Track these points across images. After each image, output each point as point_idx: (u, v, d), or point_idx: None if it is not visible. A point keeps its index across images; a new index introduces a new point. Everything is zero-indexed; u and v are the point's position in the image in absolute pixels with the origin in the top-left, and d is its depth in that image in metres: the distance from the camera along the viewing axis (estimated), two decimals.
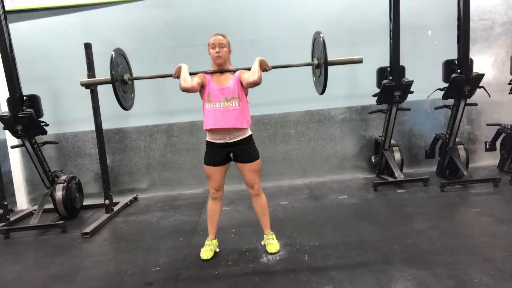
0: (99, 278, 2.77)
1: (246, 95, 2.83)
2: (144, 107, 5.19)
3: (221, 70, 2.81)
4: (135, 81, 3.16)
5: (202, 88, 2.79)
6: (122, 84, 2.91)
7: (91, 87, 4.00)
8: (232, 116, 2.70)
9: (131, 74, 3.10)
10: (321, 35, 2.77)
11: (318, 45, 2.84)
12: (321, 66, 2.79)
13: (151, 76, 3.04)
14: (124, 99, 2.94)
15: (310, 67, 3.12)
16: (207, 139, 2.88)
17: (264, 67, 2.78)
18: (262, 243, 3.03)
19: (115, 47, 2.91)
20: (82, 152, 5.22)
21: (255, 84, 2.64)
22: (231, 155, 2.88)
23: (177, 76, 2.77)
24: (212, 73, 2.81)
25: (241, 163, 2.87)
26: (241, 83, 2.74)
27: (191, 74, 2.77)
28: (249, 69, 2.75)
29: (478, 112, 5.28)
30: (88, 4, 5.01)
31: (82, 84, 3.00)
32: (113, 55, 2.80)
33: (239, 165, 2.90)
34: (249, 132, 2.87)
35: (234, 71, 2.83)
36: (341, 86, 5.23)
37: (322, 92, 2.86)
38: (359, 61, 2.93)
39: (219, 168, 2.87)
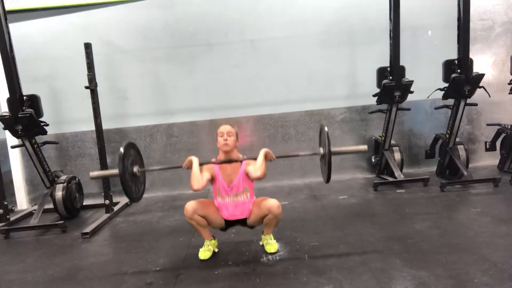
0: (99, 278, 2.78)
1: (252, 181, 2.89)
2: (144, 107, 5.22)
3: (229, 160, 2.81)
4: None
5: (212, 178, 2.83)
6: (132, 177, 2.81)
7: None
8: (242, 208, 2.88)
9: (142, 165, 2.99)
10: (326, 128, 2.77)
11: (323, 136, 2.83)
12: (326, 156, 2.80)
13: (161, 168, 3.02)
14: (133, 191, 2.81)
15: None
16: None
17: (269, 158, 2.82)
18: (261, 243, 3.03)
19: (126, 141, 2.83)
20: (82, 152, 5.22)
21: (259, 179, 2.74)
22: None
23: (187, 167, 2.79)
24: (220, 163, 2.82)
25: None
26: (247, 174, 2.81)
27: (201, 164, 2.79)
28: (255, 158, 2.77)
29: (478, 112, 5.28)
30: (88, 4, 5.01)
31: (92, 177, 2.99)
32: (122, 151, 2.69)
33: None
34: None
35: (241, 161, 2.84)
36: (341, 86, 5.24)
37: (327, 181, 2.84)
38: (364, 151, 2.90)
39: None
